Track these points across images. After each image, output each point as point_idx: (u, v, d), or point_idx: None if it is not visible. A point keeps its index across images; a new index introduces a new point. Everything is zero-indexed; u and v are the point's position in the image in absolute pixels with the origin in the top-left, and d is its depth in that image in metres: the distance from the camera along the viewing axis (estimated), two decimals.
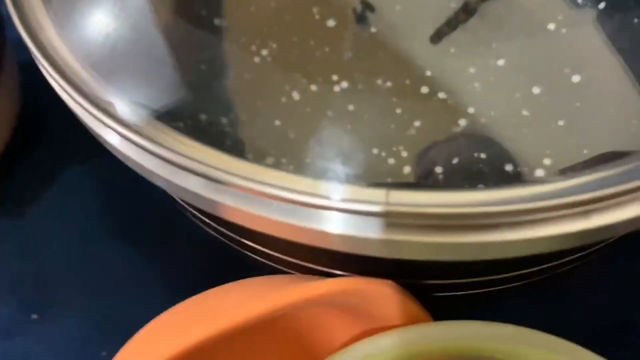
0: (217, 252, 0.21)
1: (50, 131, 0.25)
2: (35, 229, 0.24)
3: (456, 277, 0.15)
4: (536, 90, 0.14)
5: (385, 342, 0.14)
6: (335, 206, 0.12)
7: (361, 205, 0.12)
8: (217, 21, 0.16)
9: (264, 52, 0.15)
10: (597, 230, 0.11)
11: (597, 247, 0.16)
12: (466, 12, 0.15)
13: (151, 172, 0.14)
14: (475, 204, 0.12)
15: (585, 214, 0.11)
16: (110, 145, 0.14)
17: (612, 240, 0.16)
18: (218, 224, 0.17)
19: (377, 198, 0.12)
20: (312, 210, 0.12)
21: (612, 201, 0.11)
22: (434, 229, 0.12)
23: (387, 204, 0.12)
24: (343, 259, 0.14)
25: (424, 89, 0.14)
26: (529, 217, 0.11)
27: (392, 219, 0.12)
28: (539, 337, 0.14)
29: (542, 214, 0.11)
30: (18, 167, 0.24)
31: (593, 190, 0.11)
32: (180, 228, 0.23)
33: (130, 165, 0.15)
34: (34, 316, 0.22)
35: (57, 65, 0.15)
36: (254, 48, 0.15)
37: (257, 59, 0.15)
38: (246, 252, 0.18)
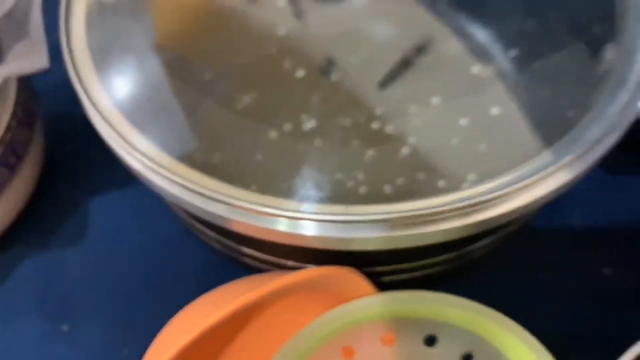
0: (220, 260, 0.27)
1: (71, 175, 0.30)
2: (57, 256, 0.29)
3: (396, 262, 0.21)
4: (463, 122, 0.20)
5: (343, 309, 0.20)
6: (310, 217, 0.18)
7: (328, 216, 0.18)
8: (208, 76, 0.22)
9: (247, 99, 0.21)
10: (477, 223, 0.17)
11: (493, 236, 0.22)
12: (405, 64, 0.22)
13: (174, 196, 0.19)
14: (405, 210, 0.18)
15: (467, 214, 0.17)
16: (142, 175, 0.20)
17: (507, 229, 0.23)
18: (223, 236, 0.22)
19: (339, 210, 0.18)
20: (294, 221, 0.18)
21: (488, 203, 0.18)
22: (378, 227, 0.18)
23: (346, 214, 0.18)
24: (316, 254, 0.19)
25: (375, 125, 0.20)
26: (436, 217, 0.18)
27: (349, 225, 0.18)
28: (451, 298, 0.20)
29: (444, 215, 0.17)
30: (42, 205, 0.29)
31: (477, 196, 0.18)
32: (189, 245, 0.28)
33: (156, 190, 0.20)
34: (64, 327, 0.27)
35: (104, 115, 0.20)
36: (237, 97, 0.21)
37: (240, 105, 0.21)
38: (244, 258, 0.23)
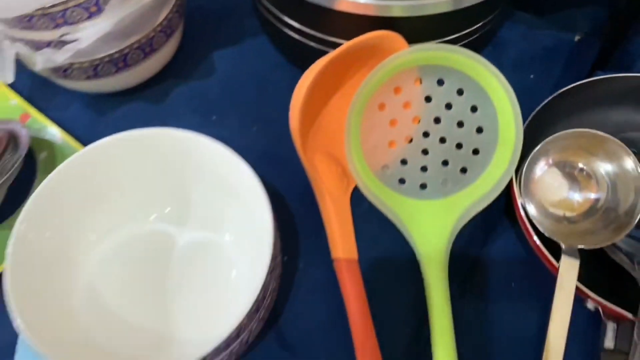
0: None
1: (203, 36, 0.47)
2: (199, 82, 0.45)
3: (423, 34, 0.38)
4: None
5: (391, 58, 0.36)
6: None
7: None
8: None
9: None
10: None
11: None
12: None
13: None
14: None
15: None
16: None
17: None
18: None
19: None
20: None
21: None
22: None
23: None
24: (371, 26, 0.36)
25: None
26: None
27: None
28: (453, 47, 0.36)
29: None
30: (184, 53, 0.46)
31: None
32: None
33: None
34: (213, 117, 0.44)
35: None
36: None
37: None
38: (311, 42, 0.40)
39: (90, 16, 0.34)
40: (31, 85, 0.45)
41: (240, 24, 0.48)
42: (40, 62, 0.35)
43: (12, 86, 0.44)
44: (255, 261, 0.31)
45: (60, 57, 0.34)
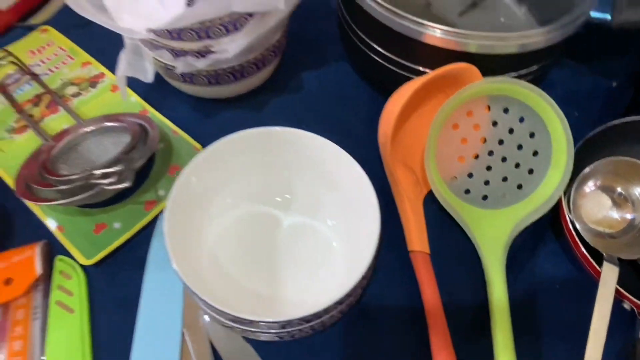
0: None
1: (310, 47, 0.54)
2: (290, 94, 0.53)
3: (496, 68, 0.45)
4: None
5: (467, 87, 0.43)
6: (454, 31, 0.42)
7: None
8: None
9: None
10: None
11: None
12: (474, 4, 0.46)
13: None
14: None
15: None
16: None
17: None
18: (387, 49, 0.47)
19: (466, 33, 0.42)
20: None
21: None
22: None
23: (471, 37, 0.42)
24: (450, 59, 0.43)
25: None
26: None
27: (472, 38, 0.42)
28: (519, 82, 0.44)
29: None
30: (281, 70, 0.54)
31: None
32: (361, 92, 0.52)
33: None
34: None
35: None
36: None
37: None
38: (394, 67, 0.47)
39: (228, 33, 0.42)
40: (144, 87, 0.52)
41: (326, 49, 0.56)
42: (180, 66, 0.43)
43: (130, 86, 0.51)
44: (355, 245, 0.37)
45: (202, 63, 0.42)
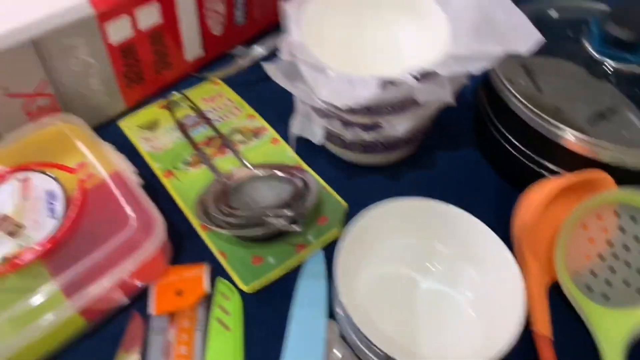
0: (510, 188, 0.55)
1: (445, 132, 0.61)
2: (417, 171, 0.59)
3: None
4: None
5: (601, 194, 0.48)
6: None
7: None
8: None
9: None
10: None
11: None
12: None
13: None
14: None
15: None
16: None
17: None
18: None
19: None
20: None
21: None
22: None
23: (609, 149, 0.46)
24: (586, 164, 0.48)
25: None
26: None
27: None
28: None
29: None
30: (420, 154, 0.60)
31: None
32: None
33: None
34: None
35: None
36: None
37: None
38: (528, 162, 0.52)
39: (393, 112, 0.49)
40: (300, 145, 0.60)
41: (459, 136, 0.62)
42: (349, 135, 0.50)
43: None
44: (492, 321, 0.42)
45: (370, 136, 0.49)
